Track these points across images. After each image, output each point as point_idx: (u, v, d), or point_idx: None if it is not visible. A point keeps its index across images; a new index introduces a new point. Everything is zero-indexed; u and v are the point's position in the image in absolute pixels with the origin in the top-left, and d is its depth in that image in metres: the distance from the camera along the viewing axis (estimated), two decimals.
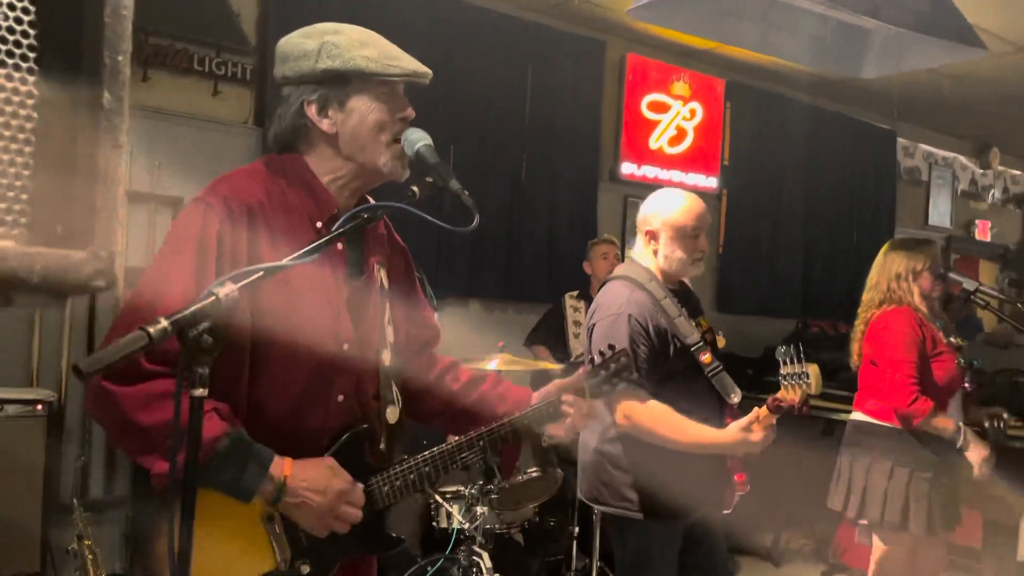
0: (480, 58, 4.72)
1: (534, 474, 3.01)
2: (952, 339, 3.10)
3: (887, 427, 3.14)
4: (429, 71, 1.59)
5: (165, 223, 3.75)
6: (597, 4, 4.79)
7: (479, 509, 2.97)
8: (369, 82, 1.53)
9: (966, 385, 3.14)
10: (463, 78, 4.63)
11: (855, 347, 3.28)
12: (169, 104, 3.80)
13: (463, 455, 1.64)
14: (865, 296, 3.30)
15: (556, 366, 3.39)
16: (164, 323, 1.02)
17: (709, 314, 5.62)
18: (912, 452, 3.08)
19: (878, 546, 3.20)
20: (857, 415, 3.28)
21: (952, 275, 2.50)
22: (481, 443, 1.65)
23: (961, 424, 2.99)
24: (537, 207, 5.02)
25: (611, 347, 1.82)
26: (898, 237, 3.37)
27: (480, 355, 3.39)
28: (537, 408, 1.68)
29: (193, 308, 1.05)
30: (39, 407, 3.17)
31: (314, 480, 1.46)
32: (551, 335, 4.47)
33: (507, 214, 4.88)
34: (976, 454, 2.93)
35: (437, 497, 2.96)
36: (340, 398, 1.55)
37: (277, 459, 1.43)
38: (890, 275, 3.17)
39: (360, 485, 1.53)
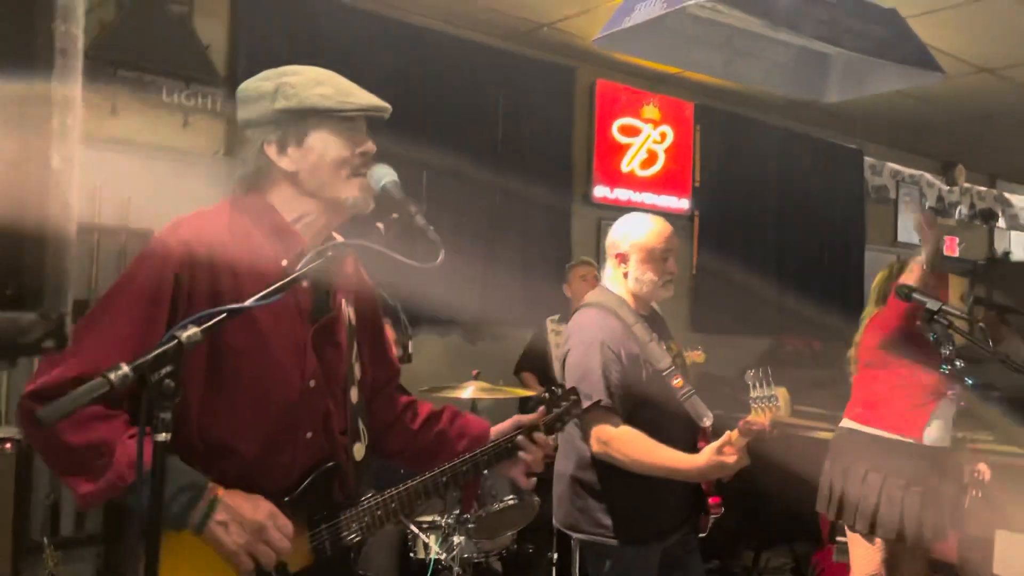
0: (451, 86, 4.75)
1: (511, 501, 3.01)
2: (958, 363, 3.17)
3: (869, 433, 3.18)
4: (387, 105, 1.61)
5: (136, 256, 3.72)
6: (566, 31, 4.85)
7: (456, 538, 2.95)
8: (326, 118, 1.54)
9: (963, 403, 3.20)
10: (434, 106, 4.66)
11: (853, 354, 3.33)
12: (139, 136, 3.79)
13: (427, 491, 1.65)
14: (867, 309, 3.42)
15: (531, 392, 3.38)
16: (125, 369, 1.02)
17: (684, 334, 5.70)
18: (889, 459, 3.12)
19: (854, 553, 3.23)
20: (846, 422, 3.34)
21: (916, 295, 2.54)
22: (444, 479, 1.66)
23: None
24: (511, 232, 5.04)
25: (560, 386, 1.86)
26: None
27: (455, 382, 3.38)
28: (495, 445, 1.72)
29: (155, 352, 1.05)
30: (8, 445, 3.13)
31: (244, 500, 1.44)
32: (536, 361, 4.48)
33: (482, 240, 4.90)
34: None
35: (413, 527, 2.94)
36: (309, 435, 1.54)
37: (210, 482, 1.42)
38: (880, 285, 3.33)
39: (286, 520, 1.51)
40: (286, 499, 1.51)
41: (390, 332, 3.69)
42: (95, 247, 3.66)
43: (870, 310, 3.36)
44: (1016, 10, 4.20)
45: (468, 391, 3.23)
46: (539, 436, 1.76)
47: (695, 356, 3.93)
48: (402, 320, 3.90)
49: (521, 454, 1.75)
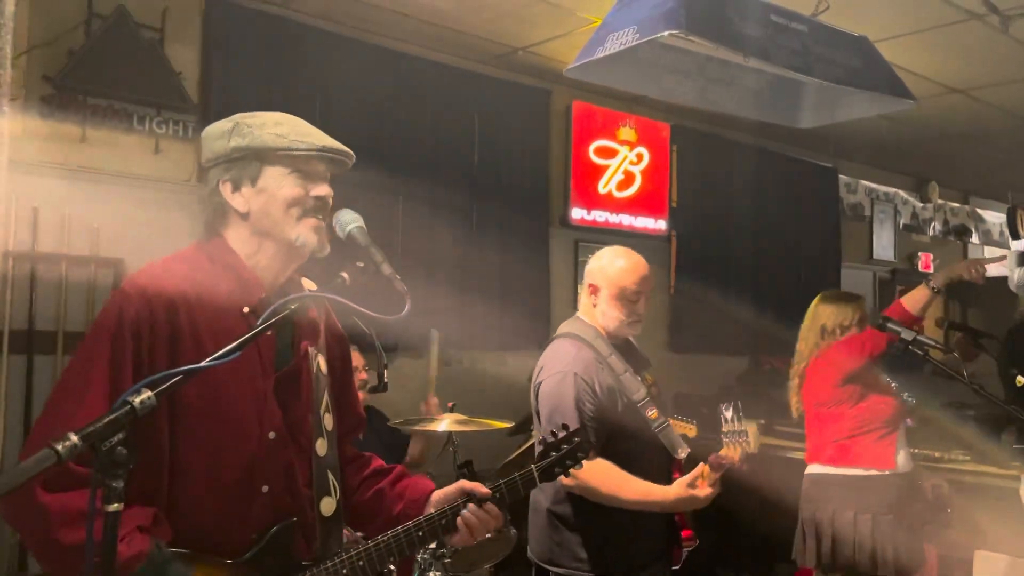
0: (426, 110, 4.73)
1: (487, 534, 2.96)
2: (893, 384, 3.17)
3: (845, 475, 3.16)
4: (347, 150, 1.59)
5: (106, 285, 3.66)
6: (541, 55, 4.85)
7: (432, 573, 2.91)
8: (280, 158, 1.53)
9: (909, 421, 3.21)
10: (409, 131, 4.63)
11: (794, 399, 3.32)
12: (108, 164, 3.73)
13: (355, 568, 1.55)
14: (798, 346, 3.37)
15: (506, 425, 3.35)
16: (74, 439, 0.98)
17: (662, 354, 5.69)
18: (872, 497, 3.11)
19: None
20: (814, 467, 3.29)
21: (891, 325, 2.55)
22: (362, 562, 1.56)
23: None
24: (489, 255, 5.01)
25: (564, 427, 1.80)
26: (830, 291, 3.48)
27: (431, 413, 3.34)
28: (429, 519, 1.61)
29: (105, 420, 1.02)
30: None
31: None
32: None
33: (459, 263, 4.87)
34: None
35: (390, 565, 2.89)
36: (265, 489, 1.50)
37: None
38: (818, 329, 3.23)
39: None
40: (229, 561, 1.45)
41: (360, 359, 3.65)
42: (63, 277, 3.60)
43: (811, 351, 3.31)
44: (984, 34, 4.26)
45: (443, 424, 3.20)
46: (490, 507, 1.64)
47: (687, 429, 3.84)
48: (377, 348, 3.86)
49: (460, 525, 1.62)
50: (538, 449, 1.78)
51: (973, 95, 5.40)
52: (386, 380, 3.75)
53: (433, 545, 2.93)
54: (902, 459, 3.16)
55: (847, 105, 3.21)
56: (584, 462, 2.32)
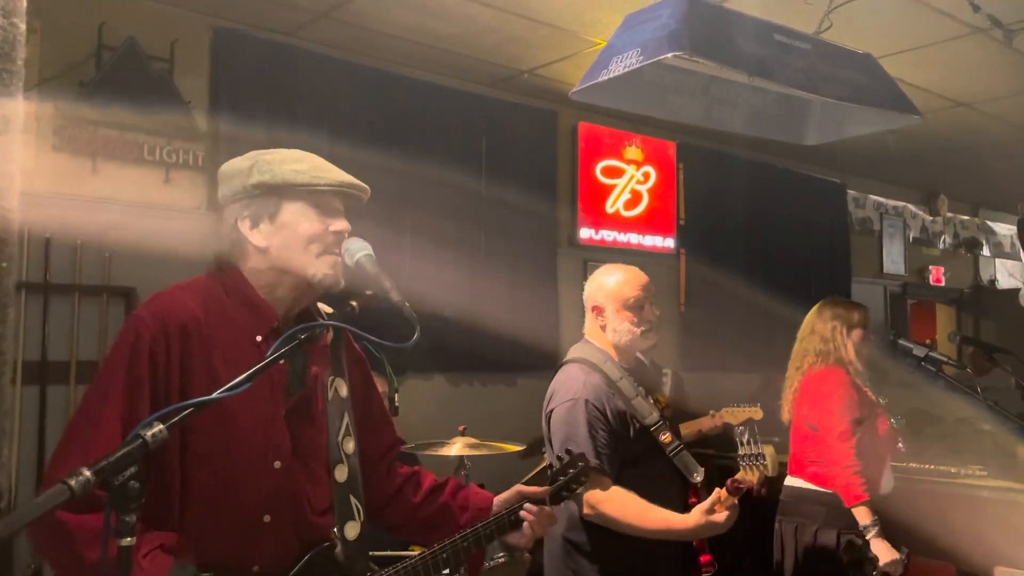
0: (433, 133, 4.76)
1: (501, 559, 2.95)
2: (882, 400, 3.13)
3: (828, 493, 3.10)
4: (364, 185, 1.60)
5: (118, 315, 3.68)
6: (546, 76, 4.88)
7: None
8: (299, 194, 1.54)
9: (900, 446, 3.15)
10: (417, 154, 4.65)
11: (786, 405, 3.27)
12: (119, 194, 3.76)
13: (426, 569, 1.63)
14: (797, 347, 3.30)
15: (518, 448, 3.34)
16: (87, 474, 0.98)
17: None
18: (846, 517, 3.05)
19: None
20: (796, 481, 3.23)
21: (902, 342, 2.53)
22: (444, 555, 1.64)
23: (875, 521, 2.97)
24: (498, 276, 5.02)
25: (568, 452, 1.83)
26: (829, 298, 3.43)
27: (443, 437, 3.34)
28: (498, 518, 1.72)
29: (118, 455, 1.02)
30: None
31: None
32: None
33: (468, 285, 4.88)
34: (885, 556, 2.90)
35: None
36: (267, 518, 1.50)
37: None
38: (824, 328, 3.19)
39: None
40: None
41: (379, 386, 3.66)
42: (75, 307, 3.62)
43: (807, 360, 3.27)
44: (988, 48, 4.27)
45: (455, 448, 3.19)
46: (544, 508, 1.78)
47: (752, 413, 3.81)
48: (388, 372, 3.87)
49: (524, 525, 1.76)
50: (548, 474, 1.82)
51: (979, 108, 5.40)
52: (396, 404, 3.76)
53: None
54: (884, 482, 3.13)
55: (853, 122, 3.20)
56: (601, 492, 2.33)
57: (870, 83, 2.99)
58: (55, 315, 3.57)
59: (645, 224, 5.76)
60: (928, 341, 2.67)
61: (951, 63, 4.55)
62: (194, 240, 3.76)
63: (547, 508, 1.78)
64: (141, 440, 1.04)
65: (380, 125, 4.50)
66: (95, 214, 3.67)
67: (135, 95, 3.76)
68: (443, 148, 4.79)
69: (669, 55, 2.48)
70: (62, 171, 3.63)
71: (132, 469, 1.02)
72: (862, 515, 2.94)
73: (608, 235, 5.55)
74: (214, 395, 1.19)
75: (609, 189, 5.59)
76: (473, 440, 3.26)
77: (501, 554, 2.94)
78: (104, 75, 3.70)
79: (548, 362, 4.49)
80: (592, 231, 5.49)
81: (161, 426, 1.07)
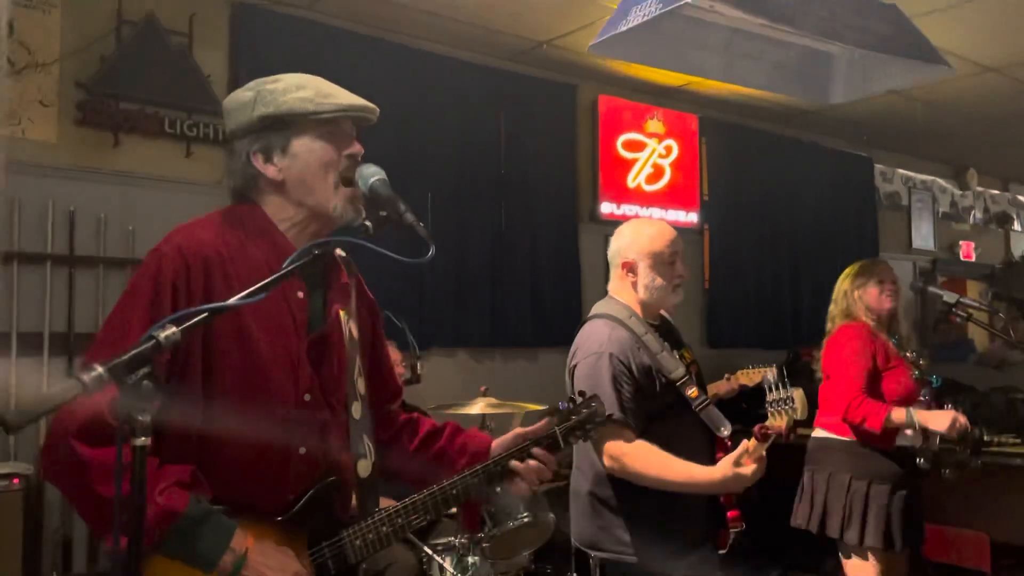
0: (452, 108, 4.74)
1: (525, 519, 2.93)
2: (908, 353, 3.16)
3: (844, 441, 3.19)
4: (371, 105, 1.58)
5: None
6: (566, 48, 4.84)
7: (471, 559, 2.88)
8: (308, 122, 1.52)
9: (922, 398, 3.17)
10: (436, 129, 4.64)
11: (821, 364, 3.39)
12: (141, 168, 3.79)
13: (425, 508, 1.58)
14: (830, 309, 3.44)
15: (540, 407, 3.32)
16: (99, 370, 0.97)
17: (699, 350, 5.61)
18: (869, 465, 3.14)
19: (846, 562, 3.19)
20: (817, 431, 3.34)
21: (932, 289, 2.49)
22: (437, 499, 1.58)
23: (911, 410, 3.05)
24: (519, 252, 5.00)
25: (582, 393, 1.78)
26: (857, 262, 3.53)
27: (464, 400, 3.32)
28: (484, 468, 1.62)
29: (131, 353, 1.01)
30: (16, 481, 3.09)
31: (272, 556, 1.40)
32: None
33: (489, 261, 4.86)
34: (939, 422, 2.98)
35: (427, 550, 2.87)
36: (302, 450, 1.49)
37: (239, 532, 1.37)
38: (841, 289, 3.37)
39: None
40: (279, 518, 1.46)
41: (396, 354, 3.65)
42: (100, 280, 3.65)
43: (837, 317, 3.37)
44: (1017, 6, 4.15)
45: (477, 407, 3.18)
46: (538, 451, 1.65)
47: (768, 373, 3.92)
48: (410, 341, 3.87)
49: (521, 470, 1.63)
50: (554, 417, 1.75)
51: (1009, 73, 5.27)
52: (419, 372, 3.76)
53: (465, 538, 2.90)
54: (909, 434, 3.14)
55: (880, 75, 3.14)
56: (625, 443, 2.29)
57: (896, 33, 2.93)
58: (80, 287, 3.60)
59: (668, 198, 5.70)
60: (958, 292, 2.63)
61: (978, 24, 4.44)
62: None
63: (545, 453, 1.65)
64: (154, 340, 1.03)
65: (398, 99, 4.49)
66: (118, 187, 3.71)
67: (155, 69, 3.78)
68: (462, 123, 4.77)
69: (690, 1, 2.45)
70: (85, 145, 3.66)
71: (145, 368, 1.01)
72: (898, 416, 3.02)
73: (630, 209, 5.49)
74: (230, 301, 1.18)
75: (631, 163, 5.54)
76: (495, 400, 3.25)
77: (525, 514, 2.92)
78: (124, 49, 3.72)
79: (569, 338, 4.43)
80: (614, 206, 5.45)
81: (175, 328, 1.05)
